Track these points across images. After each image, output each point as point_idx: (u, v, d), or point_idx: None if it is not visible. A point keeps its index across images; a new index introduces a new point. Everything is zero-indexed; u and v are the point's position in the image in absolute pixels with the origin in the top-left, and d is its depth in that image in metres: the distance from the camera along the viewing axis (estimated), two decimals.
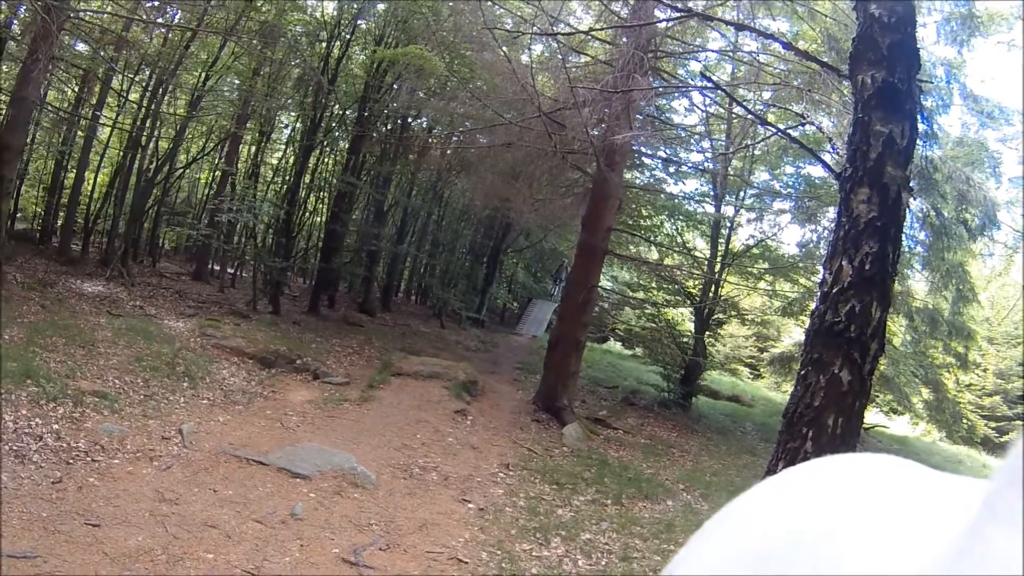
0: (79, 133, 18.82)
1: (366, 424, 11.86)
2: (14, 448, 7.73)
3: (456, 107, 19.28)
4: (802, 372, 5.57)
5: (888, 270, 5.39)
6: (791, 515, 0.57)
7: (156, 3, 17.66)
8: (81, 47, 17.64)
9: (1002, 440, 31.85)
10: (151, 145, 19.31)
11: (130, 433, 9.13)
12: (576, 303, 16.01)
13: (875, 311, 5.30)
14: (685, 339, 20.83)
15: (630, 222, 22.53)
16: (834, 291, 5.39)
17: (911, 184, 5.90)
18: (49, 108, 17.85)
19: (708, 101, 18.51)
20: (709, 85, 14.77)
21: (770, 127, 11.70)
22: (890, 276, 5.46)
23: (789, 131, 12.55)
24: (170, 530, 6.86)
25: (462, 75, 18.30)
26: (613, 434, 15.35)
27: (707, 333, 20.83)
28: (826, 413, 5.26)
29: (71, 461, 7.93)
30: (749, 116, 14.80)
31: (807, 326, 5.96)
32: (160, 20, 18.00)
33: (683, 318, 23.89)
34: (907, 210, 5.83)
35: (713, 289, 20.59)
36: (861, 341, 5.27)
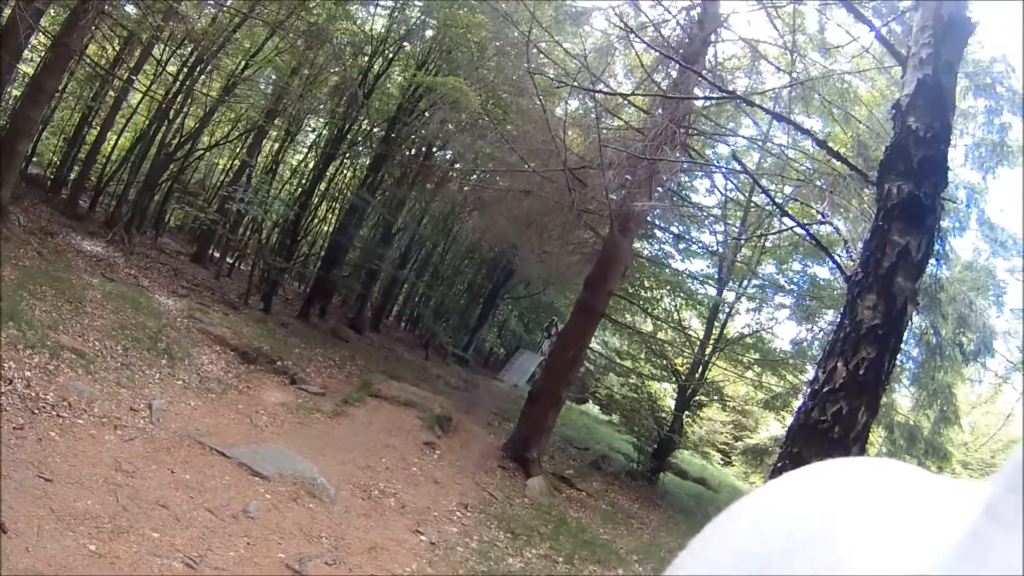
0: (111, 92, 18.85)
1: (334, 438, 11.78)
2: None
3: (483, 146, 19.39)
4: (778, 464, 5.59)
5: (881, 378, 5.38)
6: (791, 518, 0.56)
7: None
8: (130, 8, 17.70)
9: None
10: (178, 120, 19.38)
11: (100, 397, 9.04)
12: (564, 360, 15.98)
13: (862, 416, 5.27)
14: (663, 414, 20.80)
15: (630, 290, 22.59)
16: (825, 390, 5.36)
17: (918, 298, 5.92)
18: (87, 60, 17.89)
19: (730, 185, 18.67)
20: (737, 169, 14.89)
21: (788, 219, 11.77)
22: (882, 384, 5.45)
23: (806, 227, 12.65)
24: (121, 501, 6.77)
25: (495, 116, 18.43)
26: (576, 494, 15.23)
27: (686, 412, 20.83)
28: None
29: (36, 412, 7.85)
30: (770, 206, 14.91)
31: (791, 421, 5.94)
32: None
33: (665, 393, 23.91)
34: (909, 323, 5.83)
35: (700, 370, 20.60)
36: (844, 443, 5.23)
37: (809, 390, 5.68)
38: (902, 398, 21.41)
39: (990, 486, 0.42)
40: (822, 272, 20.37)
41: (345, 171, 23.74)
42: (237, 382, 12.77)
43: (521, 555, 10.38)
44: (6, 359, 8.41)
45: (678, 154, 14.02)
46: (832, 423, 5.24)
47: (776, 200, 14.83)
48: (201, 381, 11.85)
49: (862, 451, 5.50)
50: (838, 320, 5.96)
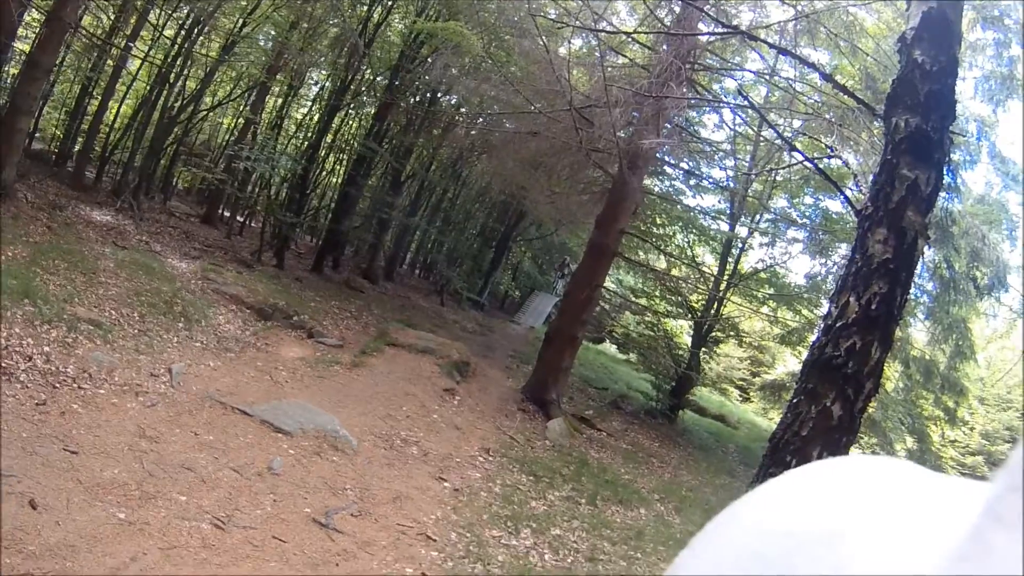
0: (109, 62, 18.74)
1: (354, 389, 11.86)
2: (2, 365, 7.73)
3: (488, 89, 19.25)
4: (794, 400, 5.55)
5: (894, 312, 5.38)
6: (792, 516, 0.57)
7: None
8: None
9: None
10: (179, 83, 19.28)
11: (119, 366, 9.11)
12: (579, 300, 16.00)
13: (875, 351, 5.27)
14: (680, 352, 20.84)
15: (643, 228, 22.53)
16: (837, 325, 5.36)
17: (928, 232, 5.88)
18: (83, 32, 17.77)
19: (738, 120, 18.52)
20: (744, 104, 14.76)
21: (797, 154, 11.66)
22: (895, 319, 5.45)
23: (815, 162, 12.54)
24: (146, 467, 6.88)
25: (498, 58, 18.26)
26: (596, 435, 15.36)
27: (703, 349, 20.86)
28: (812, 444, 5.25)
29: (57, 385, 7.92)
30: (779, 141, 14.77)
31: (805, 356, 5.94)
32: None
33: (681, 330, 23.93)
34: (920, 257, 5.77)
35: (716, 306, 20.60)
36: (857, 378, 5.24)
37: (822, 325, 5.69)
38: (917, 332, 21.34)
39: (991, 485, 0.43)
40: (834, 206, 20.27)
41: (351, 122, 23.61)
42: (255, 340, 12.83)
43: (544, 497, 10.50)
44: (24, 336, 8.47)
45: (684, 90, 13.88)
46: (846, 358, 5.23)
47: (785, 134, 14.72)
48: (219, 341, 11.91)
49: (876, 387, 5.48)
50: (849, 255, 5.91)
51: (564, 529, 9.52)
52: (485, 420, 13.29)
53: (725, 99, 17.88)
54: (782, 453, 5.38)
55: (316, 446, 8.97)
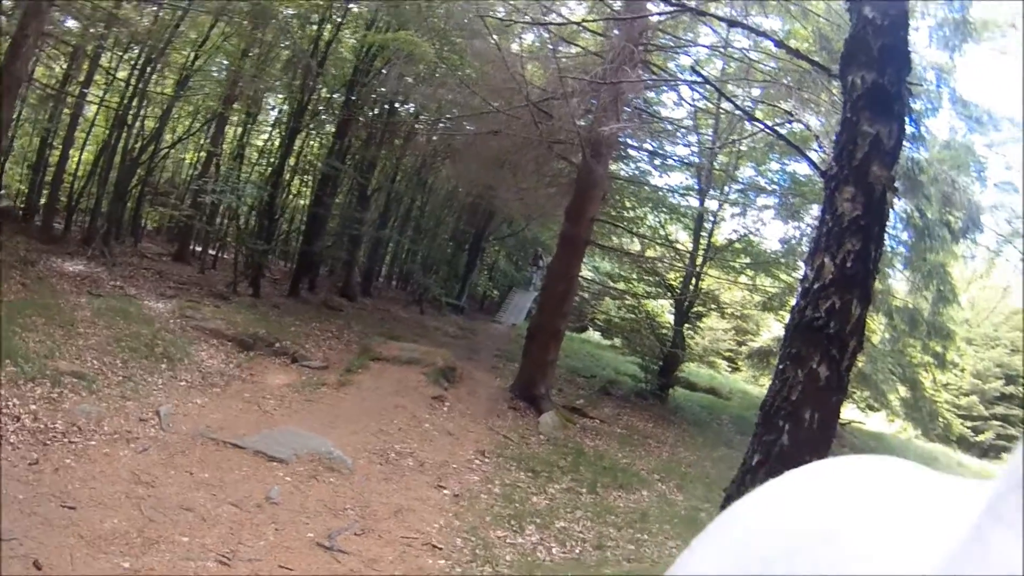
0: (65, 110, 18.64)
1: (343, 408, 11.89)
2: None
3: (444, 94, 19.26)
4: (780, 367, 5.61)
5: (870, 268, 5.44)
6: (793, 517, 0.58)
7: None
8: (71, 23, 17.45)
9: (977, 439, 32.34)
10: (137, 124, 19.19)
11: (107, 414, 9.11)
12: (557, 293, 16.08)
13: (855, 308, 5.33)
14: (664, 331, 20.89)
15: (613, 213, 22.56)
16: (815, 287, 5.41)
17: (896, 184, 5.92)
18: (36, 84, 17.68)
19: (697, 96, 18.55)
20: (699, 80, 14.81)
21: (758, 123, 11.75)
22: (871, 274, 5.51)
23: (776, 128, 12.61)
24: (146, 512, 6.88)
25: (451, 62, 18.29)
26: (589, 423, 15.44)
27: (686, 325, 20.93)
28: (803, 407, 5.29)
29: (48, 442, 7.92)
30: (737, 112, 14.84)
31: (787, 321, 5.98)
32: None
33: (662, 310, 23.97)
34: (891, 210, 5.83)
35: (694, 282, 20.66)
36: (840, 338, 5.30)
37: (800, 289, 5.74)
38: (898, 283, 21.49)
39: (992, 484, 0.43)
40: (801, 169, 20.28)
41: (312, 142, 23.54)
42: (239, 371, 12.83)
43: (545, 492, 10.58)
44: (9, 397, 8.44)
45: (639, 72, 13.96)
46: (827, 319, 5.29)
47: (743, 105, 14.80)
48: (204, 378, 11.91)
49: (860, 344, 5.53)
50: (820, 216, 5.98)
51: (568, 520, 9.59)
52: (477, 423, 13.32)
53: (681, 76, 17.93)
54: (774, 419, 5.41)
55: (312, 470, 8.99)
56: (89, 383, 9.70)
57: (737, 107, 13.32)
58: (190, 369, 11.96)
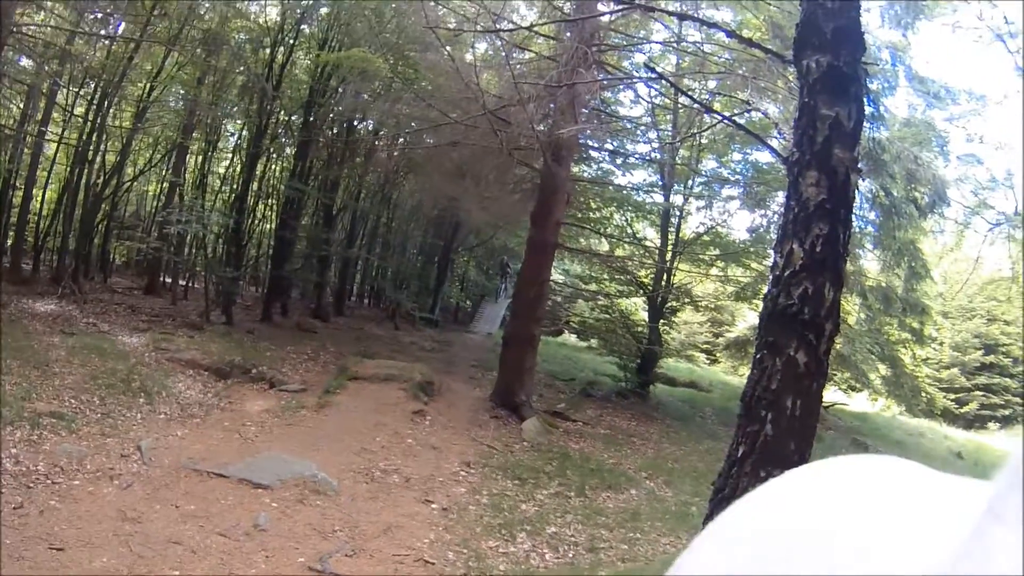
0: (26, 150, 18.49)
1: (325, 430, 11.83)
2: None
3: (402, 108, 19.24)
4: (758, 356, 5.57)
5: (839, 251, 5.41)
6: (793, 517, 0.57)
7: (99, 15, 17.39)
8: (25, 62, 17.34)
9: (962, 411, 32.64)
10: (98, 159, 19.07)
11: (89, 453, 9.05)
12: (528, 299, 16.08)
13: (828, 292, 5.31)
14: (640, 328, 20.93)
15: (579, 215, 22.63)
16: (786, 274, 5.38)
17: (859, 166, 5.91)
18: None
19: (654, 92, 18.62)
20: (653, 76, 14.86)
21: (716, 115, 11.82)
22: (842, 257, 5.47)
23: (735, 118, 12.68)
24: (134, 549, 6.82)
25: (406, 76, 18.28)
26: (573, 427, 15.43)
27: (661, 321, 20.98)
28: (784, 396, 5.26)
29: (31, 485, 7.85)
30: (695, 105, 14.90)
31: (761, 310, 5.94)
32: (103, 32, 17.80)
33: (636, 307, 24.04)
34: (856, 191, 5.78)
35: (665, 278, 20.72)
36: (815, 323, 5.28)
37: (771, 277, 5.68)
38: (869, 263, 21.67)
39: (992, 484, 0.43)
40: (763, 156, 20.43)
41: (273, 166, 23.44)
42: (218, 400, 12.77)
43: (533, 499, 10.57)
44: None
45: (595, 73, 13.99)
46: (800, 305, 5.26)
47: (701, 97, 14.88)
48: (183, 409, 11.84)
49: (836, 327, 5.49)
50: (785, 203, 5.93)
51: (559, 525, 9.60)
52: (460, 434, 13.29)
53: (636, 74, 18.00)
54: (756, 410, 5.38)
55: (298, 494, 8.93)
56: (68, 423, 9.64)
57: (694, 100, 13.38)
58: (168, 401, 11.89)
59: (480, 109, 13.54)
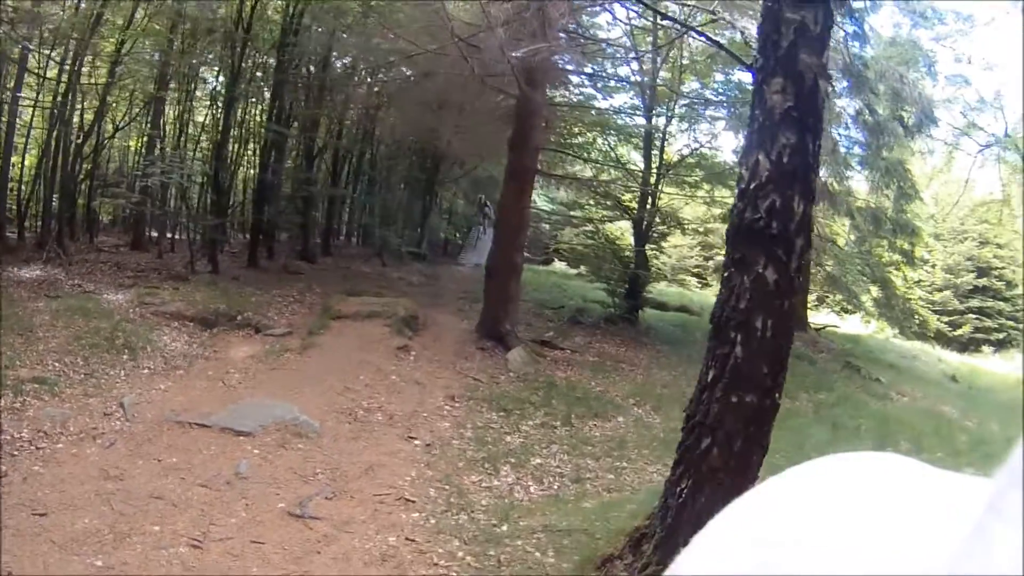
0: (2, 119, 18.32)
1: (308, 372, 11.82)
2: None
3: (376, 42, 18.98)
4: (726, 274, 5.45)
5: (809, 162, 5.25)
6: (792, 516, 0.57)
7: None
8: None
9: (954, 333, 32.79)
10: (75, 119, 18.92)
11: (72, 415, 9.04)
12: (510, 227, 15.97)
13: (797, 206, 5.17)
14: (627, 253, 20.88)
15: (562, 141, 22.49)
16: (752, 187, 5.24)
17: (829, 72, 5.77)
18: None
19: (633, 14, 18.33)
20: None
21: (693, 32, 11.63)
22: (812, 168, 5.32)
23: (712, 36, 12.49)
24: (116, 507, 6.82)
25: (378, 9, 18.03)
26: (560, 355, 15.39)
27: (649, 246, 20.92)
28: (754, 315, 5.16)
29: (15, 453, 7.85)
30: (673, 25, 14.66)
31: (727, 225, 5.76)
32: None
33: (623, 232, 23.98)
34: (825, 100, 5.61)
35: (650, 201, 20.61)
36: (785, 238, 5.15)
37: (737, 190, 5.54)
38: (858, 183, 21.58)
39: (993, 481, 0.43)
40: (747, 77, 20.24)
41: (251, 110, 23.26)
42: (203, 350, 12.74)
43: (518, 430, 10.60)
44: None
45: None
46: (768, 219, 5.14)
47: (678, 17, 14.65)
48: (167, 362, 11.81)
49: (808, 242, 5.39)
50: (750, 112, 5.71)
51: (544, 457, 9.64)
52: (445, 368, 13.27)
53: None
54: (725, 331, 5.28)
55: (279, 439, 8.95)
56: (51, 386, 9.63)
57: (666, 17, 13.14)
58: (152, 356, 11.86)
59: (451, 37, 13.36)
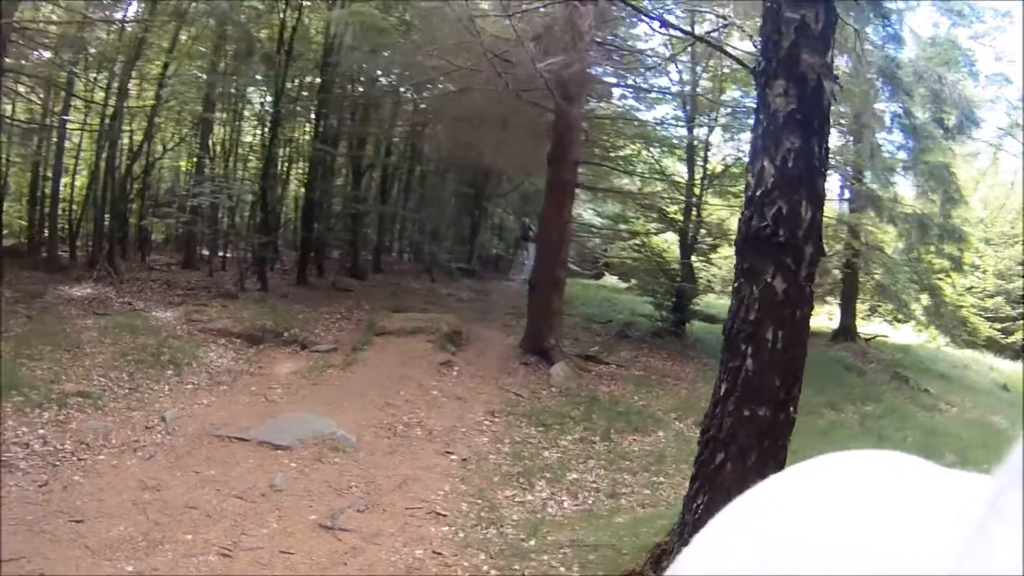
0: (53, 140, 18.81)
1: (350, 387, 11.95)
2: (2, 459, 7.90)
3: (418, 59, 19.15)
4: (736, 285, 5.33)
5: (815, 165, 5.13)
6: (792, 515, 0.56)
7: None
8: (45, 53, 17.63)
9: (1007, 340, 31.80)
10: (124, 141, 19.37)
11: (114, 428, 9.29)
12: (551, 241, 15.99)
13: (805, 211, 5.04)
14: (674, 266, 20.76)
15: (608, 154, 22.46)
16: (758, 194, 5.13)
17: (835, 72, 5.60)
18: (12, 122, 17.94)
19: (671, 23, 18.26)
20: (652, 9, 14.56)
21: (702, 41, 11.56)
22: (818, 172, 5.19)
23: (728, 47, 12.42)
24: (151, 516, 6.99)
25: (412, 26, 18.22)
26: (605, 369, 15.33)
27: (696, 257, 20.78)
28: (763, 326, 5.04)
29: (57, 463, 8.09)
30: (675, 31, 14.59)
31: (735, 235, 5.63)
32: (115, 16, 18.06)
33: (669, 244, 23.83)
34: (831, 100, 5.39)
35: (695, 212, 20.49)
36: (793, 245, 5.03)
37: (744, 198, 5.43)
38: (903, 189, 21.23)
39: (993, 479, 0.43)
40: None
41: (297, 129, 23.60)
42: (248, 366, 12.94)
43: (556, 445, 10.57)
44: (18, 426, 8.67)
45: (595, 7, 13.77)
46: (775, 227, 5.02)
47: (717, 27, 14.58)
48: (211, 377, 12.04)
49: (819, 250, 5.23)
50: (754, 118, 5.64)
51: (581, 471, 9.61)
52: (487, 383, 13.32)
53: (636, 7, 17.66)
54: (736, 343, 5.16)
55: (316, 453, 9.06)
56: (95, 400, 9.91)
57: (685, 33, 13.10)
58: (197, 372, 12.10)
59: (486, 53, 13.43)
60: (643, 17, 13.56)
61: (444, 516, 7.71)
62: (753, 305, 5.12)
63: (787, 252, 5.06)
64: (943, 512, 0.51)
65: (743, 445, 5.11)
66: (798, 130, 5.07)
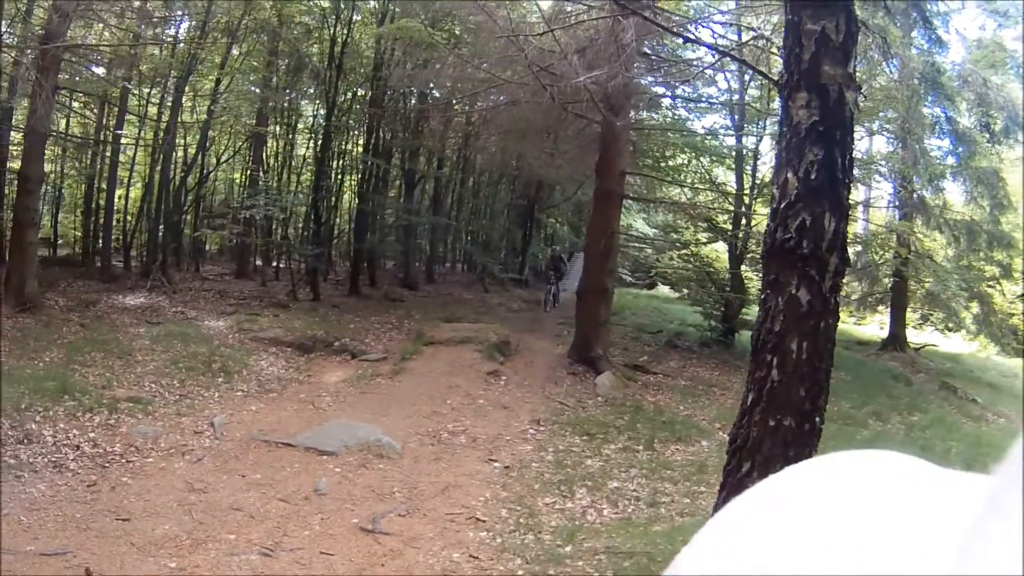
0: (107, 154, 19.27)
1: (397, 395, 12.10)
2: (52, 460, 8.13)
3: (472, 72, 19.30)
4: (762, 296, 5.36)
5: (838, 176, 5.09)
6: (793, 515, 0.57)
7: (158, 17, 17.96)
8: (98, 70, 18.09)
9: None
10: (177, 154, 19.78)
11: (163, 432, 9.50)
12: (597, 252, 16.01)
13: (828, 223, 5.03)
14: (724, 276, 20.66)
15: (661, 165, 22.44)
16: (782, 206, 5.12)
17: (858, 82, 5.57)
18: (67, 137, 18.47)
19: (715, 36, 18.22)
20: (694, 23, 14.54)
21: (732, 57, 11.53)
22: (842, 183, 5.15)
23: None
24: (196, 516, 7.16)
25: (460, 40, 18.40)
26: (652, 379, 15.31)
27: (744, 267, 20.65)
28: (788, 338, 5.01)
29: (106, 465, 8.31)
30: (702, 46, 14.56)
31: (761, 247, 5.67)
32: (167, 33, 18.53)
33: (719, 254, 23.69)
34: (854, 111, 5.37)
35: (744, 222, 20.37)
36: (817, 256, 5.00)
37: (770, 210, 5.44)
38: (952, 195, 20.90)
39: (992, 478, 0.43)
40: None
41: (349, 142, 23.87)
42: (298, 375, 13.15)
43: (599, 454, 10.56)
44: (69, 429, 8.91)
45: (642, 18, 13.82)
46: (799, 238, 5.01)
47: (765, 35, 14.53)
48: (260, 385, 12.25)
49: (844, 261, 5.20)
50: (778, 131, 5.64)
51: (622, 480, 9.57)
52: (533, 393, 13.38)
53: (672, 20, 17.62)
54: (762, 354, 5.16)
55: (361, 459, 9.18)
56: (145, 406, 10.16)
57: (711, 47, 13.08)
58: (247, 379, 12.35)
59: (532, 66, 13.53)
60: (666, 30, 13.51)
61: (483, 522, 7.76)
62: (778, 316, 5.12)
63: (811, 263, 5.05)
64: (943, 512, 0.52)
65: (768, 455, 5.08)
66: (820, 141, 5.06)
